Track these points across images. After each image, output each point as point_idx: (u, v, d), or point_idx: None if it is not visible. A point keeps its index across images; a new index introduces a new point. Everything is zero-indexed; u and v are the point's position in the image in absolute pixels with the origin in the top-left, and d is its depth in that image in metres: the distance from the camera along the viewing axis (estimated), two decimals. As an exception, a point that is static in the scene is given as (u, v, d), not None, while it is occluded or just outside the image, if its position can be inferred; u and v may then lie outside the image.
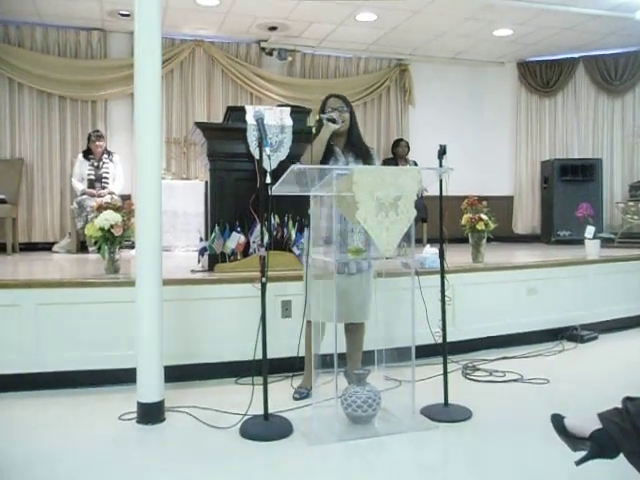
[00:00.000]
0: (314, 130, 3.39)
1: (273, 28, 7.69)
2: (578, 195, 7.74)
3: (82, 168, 6.87)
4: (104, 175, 6.87)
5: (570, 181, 8.21)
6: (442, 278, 3.32)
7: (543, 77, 9.12)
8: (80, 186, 6.80)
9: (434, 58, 8.94)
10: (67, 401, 3.46)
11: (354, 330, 3.51)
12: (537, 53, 8.87)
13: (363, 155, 3.43)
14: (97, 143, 6.86)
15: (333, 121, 3.32)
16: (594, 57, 8.85)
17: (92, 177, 6.83)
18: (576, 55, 8.90)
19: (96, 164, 6.88)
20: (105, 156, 6.94)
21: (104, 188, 6.79)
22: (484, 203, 5.03)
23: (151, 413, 3.12)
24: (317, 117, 3.40)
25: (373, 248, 3.15)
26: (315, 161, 3.27)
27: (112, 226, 3.94)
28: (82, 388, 3.63)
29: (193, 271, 4.39)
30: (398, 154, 8.28)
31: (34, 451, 2.74)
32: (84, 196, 6.67)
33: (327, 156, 3.35)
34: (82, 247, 6.81)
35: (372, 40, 8.21)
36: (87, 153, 6.93)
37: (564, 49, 8.65)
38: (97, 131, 7.04)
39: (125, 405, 3.22)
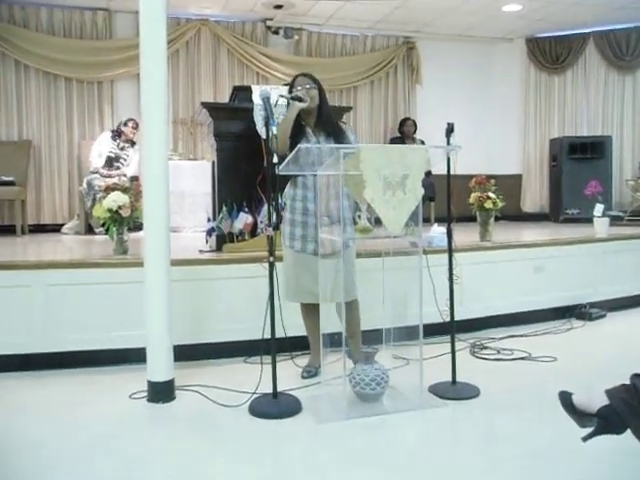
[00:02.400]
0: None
1: (279, 6, 7.60)
2: (587, 173, 7.66)
3: (105, 144, 6.92)
4: (123, 156, 6.95)
5: (579, 159, 8.13)
6: (450, 257, 3.32)
7: (552, 53, 9.00)
8: (97, 162, 6.84)
9: (442, 35, 8.83)
10: (77, 381, 3.51)
11: (345, 309, 3.46)
12: (546, 29, 8.75)
13: (335, 133, 3.38)
14: (133, 130, 6.93)
15: (299, 99, 3.27)
16: (604, 32, 8.72)
17: (112, 155, 6.89)
18: (586, 30, 8.76)
19: (121, 145, 6.96)
20: (131, 142, 7.01)
21: (118, 168, 6.85)
22: (492, 182, 5.01)
23: (161, 392, 3.15)
24: (278, 97, 3.36)
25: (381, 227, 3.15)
26: (283, 141, 3.19)
27: (120, 207, 3.95)
28: (92, 368, 3.67)
29: (201, 251, 4.41)
30: (405, 133, 8.24)
31: (46, 429, 2.78)
32: (95, 175, 6.69)
33: (298, 136, 3.30)
34: (90, 228, 6.84)
35: (379, 17, 8.12)
36: (116, 135, 6.99)
37: (574, 24, 8.52)
38: (135, 120, 7.03)
39: (135, 384, 3.26)
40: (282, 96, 3.34)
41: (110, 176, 6.58)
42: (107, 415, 2.96)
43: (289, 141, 3.24)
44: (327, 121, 3.42)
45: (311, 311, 3.39)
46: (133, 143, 7.03)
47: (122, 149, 6.96)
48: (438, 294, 3.38)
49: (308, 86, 3.35)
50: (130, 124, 6.95)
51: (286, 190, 3.45)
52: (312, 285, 3.25)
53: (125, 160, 6.96)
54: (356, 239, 3.35)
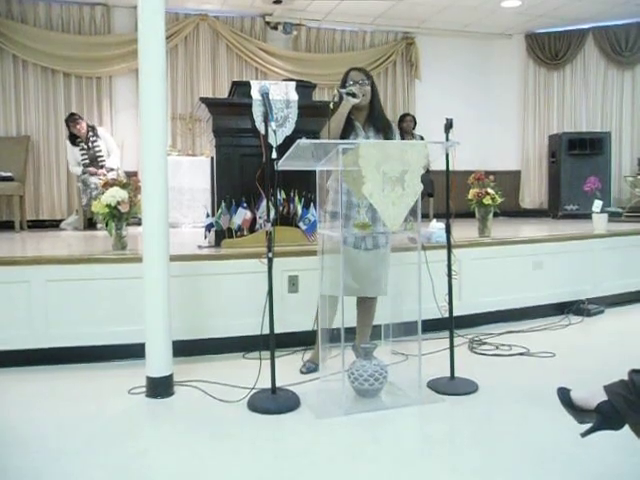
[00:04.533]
0: (331, 106, 3.34)
1: (278, 1, 7.60)
2: (586, 169, 7.68)
3: (74, 154, 6.81)
4: (97, 154, 6.81)
5: (578, 155, 8.14)
6: (449, 253, 3.32)
7: (551, 49, 9.00)
8: (78, 170, 6.78)
9: (441, 31, 8.83)
10: (77, 376, 3.51)
11: (367, 305, 3.52)
12: (545, 25, 8.75)
13: (384, 129, 3.39)
14: (77, 127, 6.74)
15: (353, 95, 3.26)
16: (604, 28, 8.72)
17: (86, 160, 6.76)
18: (586, 26, 8.77)
19: (85, 146, 6.80)
20: (90, 134, 6.83)
21: (102, 167, 6.75)
22: (491, 177, 5.01)
23: (160, 387, 3.15)
24: (335, 92, 3.36)
25: (380, 223, 3.15)
26: (334, 137, 3.22)
27: (119, 203, 3.95)
28: (92, 363, 3.67)
29: (200, 247, 4.41)
30: (404, 129, 8.22)
31: (45, 424, 2.78)
32: (86, 175, 6.65)
33: (347, 130, 3.31)
34: (90, 224, 6.84)
35: (378, 13, 8.11)
36: (73, 138, 6.83)
37: (573, 20, 8.53)
38: (72, 114, 6.88)
39: (134, 379, 3.26)
40: (339, 91, 3.32)
41: (102, 174, 6.50)
42: (106, 410, 2.96)
43: (339, 136, 3.25)
44: (378, 117, 3.42)
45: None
46: (93, 129, 6.85)
47: (90, 148, 6.78)
48: (437, 290, 3.38)
49: (361, 81, 3.34)
50: (71, 123, 6.74)
51: (329, 182, 3.44)
52: (350, 279, 3.26)
53: (102, 155, 6.81)
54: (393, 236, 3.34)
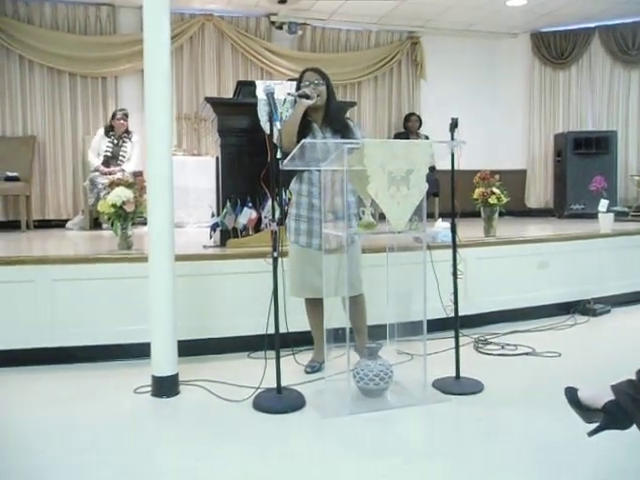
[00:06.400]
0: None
1: (283, 1, 7.59)
2: (592, 168, 7.63)
3: (101, 143, 6.87)
4: (121, 153, 6.88)
5: (584, 154, 8.10)
6: (454, 252, 3.31)
7: (557, 48, 8.96)
8: (95, 161, 6.81)
9: (446, 30, 8.79)
10: (82, 375, 3.52)
11: (352, 305, 3.47)
12: (551, 23, 8.71)
13: (341, 129, 3.36)
14: (122, 122, 6.86)
15: (306, 97, 3.25)
16: (610, 26, 8.66)
17: (109, 154, 6.83)
18: (592, 25, 8.72)
19: (115, 142, 6.88)
20: (125, 135, 6.94)
21: (119, 165, 6.80)
22: (496, 177, 5.00)
23: (165, 386, 3.16)
24: (287, 94, 3.37)
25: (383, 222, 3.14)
26: (289, 139, 3.17)
27: (124, 202, 3.96)
28: (97, 362, 3.68)
29: (205, 247, 4.42)
30: (409, 128, 8.23)
31: (51, 424, 2.79)
32: (96, 173, 6.68)
33: (305, 132, 3.28)
34: (96, 224, 6.85)
35: (383, 12, 8.10)
36: (109, 130, 6.93)
37: (579, 18, 8.48)
38: (123, 109, 7.00)
39: (140, 379, 3.27)
40: (289, 94, 3.33)
41: (111, 173, 6.53)
42: (112, 409, 2.97)
43: (296, 138, 3.23)
44: (335, 118, 3.40)
45: (315, 307, 3.39)
46: (129, 133, 6.96)
47: (118, 145, 6.87)
48: (442, 289, 3.37)
49: (316, 82, 3.33)
50: (118, 115, 6.87)
51: (292, 185, 3.45)
52: (317, 280, 3.25)
53: (124, 157, 6.88)
54: (361, 235, 3.33)
